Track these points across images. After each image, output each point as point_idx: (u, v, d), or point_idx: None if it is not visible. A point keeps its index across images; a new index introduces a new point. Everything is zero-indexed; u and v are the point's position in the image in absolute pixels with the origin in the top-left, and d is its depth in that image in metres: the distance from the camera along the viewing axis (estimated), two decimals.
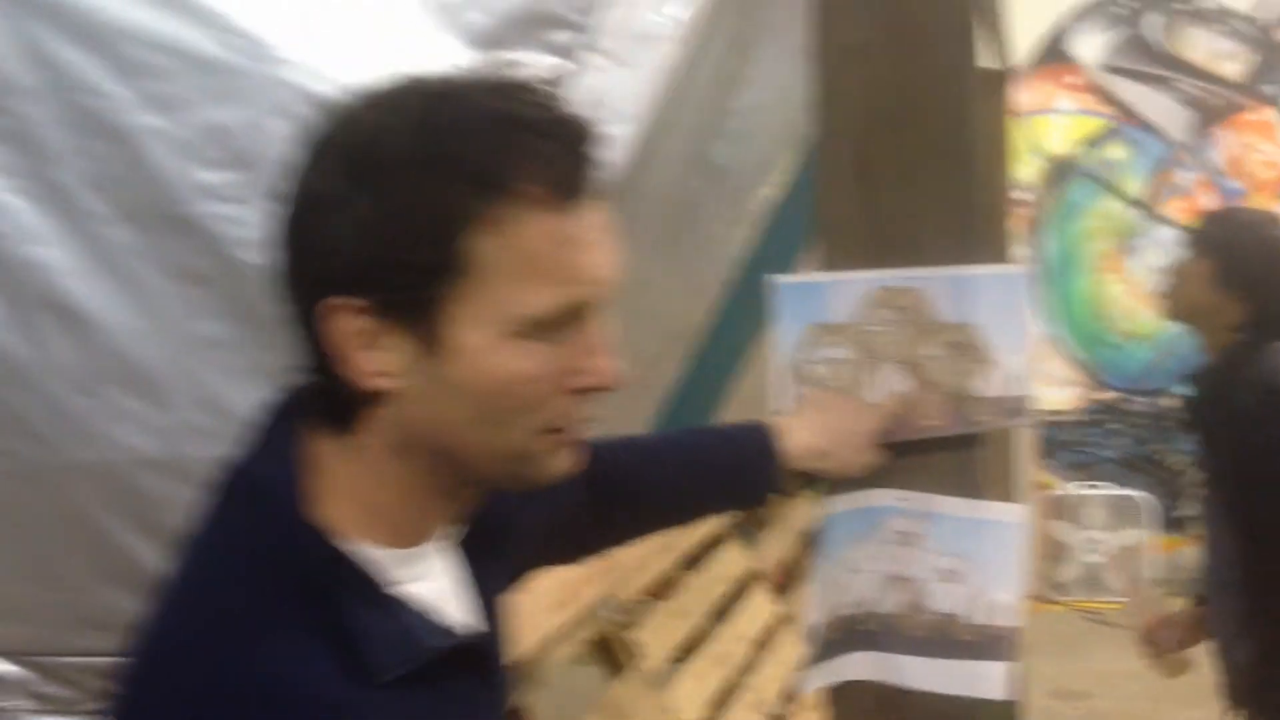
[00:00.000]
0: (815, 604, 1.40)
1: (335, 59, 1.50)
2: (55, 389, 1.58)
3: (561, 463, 0.92)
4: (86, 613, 1.66)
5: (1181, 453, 5.73)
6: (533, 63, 1.50)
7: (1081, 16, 6.15)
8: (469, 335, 0.85)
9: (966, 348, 1.36)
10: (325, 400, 0.89)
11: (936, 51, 1.31)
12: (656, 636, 2.29)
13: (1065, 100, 6.21)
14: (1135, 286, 6.10)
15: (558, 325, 0.86)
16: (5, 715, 1.76)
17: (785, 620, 2.80)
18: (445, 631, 0.91)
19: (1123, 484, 6.07)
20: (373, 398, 0.87)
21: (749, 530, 2.80)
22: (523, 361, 0.86)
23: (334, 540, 0.87)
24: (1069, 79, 6.19)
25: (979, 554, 1.38)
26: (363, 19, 1.54)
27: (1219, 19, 6.08)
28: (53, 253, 1.57)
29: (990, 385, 1.37)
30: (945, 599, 1.37)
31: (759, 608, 2.78)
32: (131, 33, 1.52)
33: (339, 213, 0.84)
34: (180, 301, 1.55)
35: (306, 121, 1.58)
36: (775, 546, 2.93)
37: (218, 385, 1.56)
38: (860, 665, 1.37)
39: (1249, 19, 6.05)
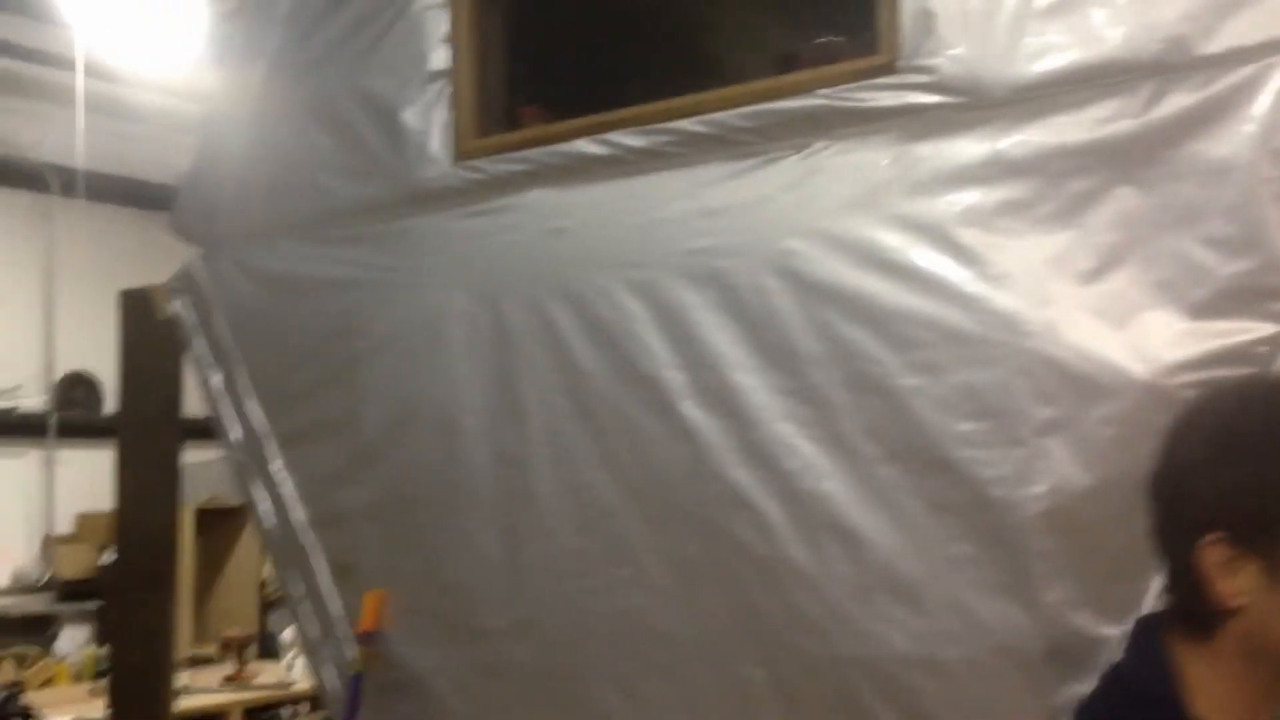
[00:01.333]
0: None
1: (1071, 330, 1.82)
2: (834, 594, 1.97)
3: None
4: None
5: None
6: (1249, 329, 1.73)
7: None
8: None
9: None
10: (1190, 615, 1.18)
11: None
12: None
13: None
14: None
15: None
16: None
17: None
18: None
19: None
20: (1228, 613, 1.15)
21: None
22: None
23: None
24: None
25: None
26: (1085, 300, 1.85)
27: None
28: (834, 485, 1.98)
29: None
30: None
31: None
32: (903, 314, 1.94)
33: (1207, 475, 1.15)
34: (937, 527, 1.89)
35: (1043, 381, 1.89)
36: None
37: (967, 598, 1.86)
38: None
39: None
